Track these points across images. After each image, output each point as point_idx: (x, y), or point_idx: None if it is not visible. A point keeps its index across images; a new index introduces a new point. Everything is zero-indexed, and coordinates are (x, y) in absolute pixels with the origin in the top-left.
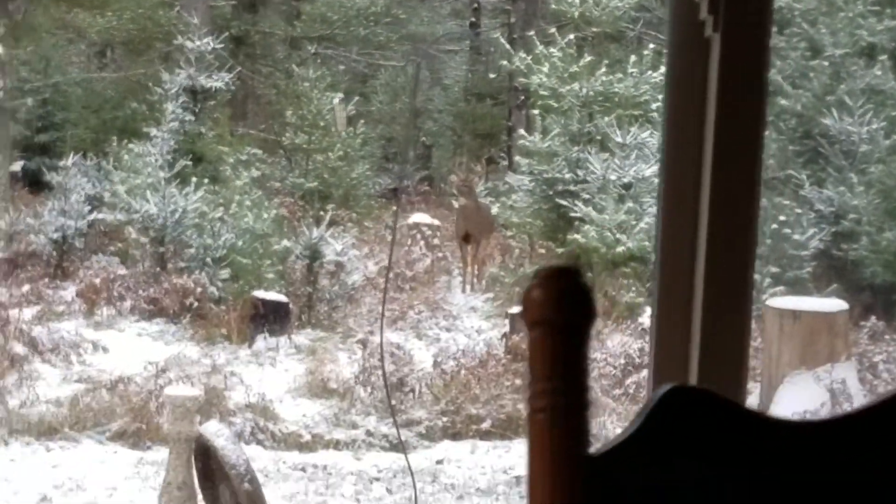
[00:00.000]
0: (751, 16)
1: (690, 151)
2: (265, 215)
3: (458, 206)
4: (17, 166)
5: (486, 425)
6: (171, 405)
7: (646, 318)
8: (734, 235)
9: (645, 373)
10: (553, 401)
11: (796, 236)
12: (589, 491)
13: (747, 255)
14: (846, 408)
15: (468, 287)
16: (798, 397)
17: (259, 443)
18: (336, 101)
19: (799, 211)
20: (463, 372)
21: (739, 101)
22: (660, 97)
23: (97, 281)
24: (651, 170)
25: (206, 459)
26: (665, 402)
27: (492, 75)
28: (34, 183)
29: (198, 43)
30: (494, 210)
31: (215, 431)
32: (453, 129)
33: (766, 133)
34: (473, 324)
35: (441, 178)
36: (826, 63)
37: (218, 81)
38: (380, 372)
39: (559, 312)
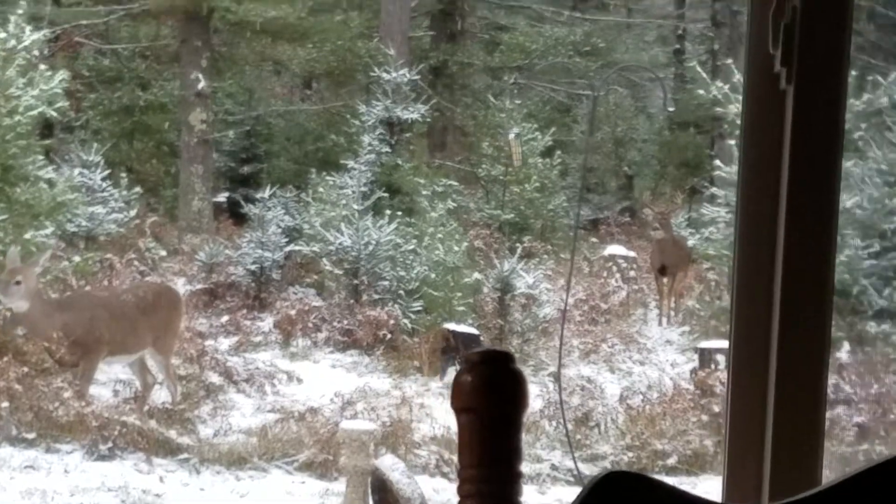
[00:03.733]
0: (824, 70)
1: (765, 205)
2: (456, 248)
3: (654, 238)
4: (222, 197)
5: (671, 461)
6: (346, 439)
7: (843, 354)
8: (811, 282)
9: (840, 409)
10: (480, 488)
11: None
12: None
13: (823, 303)
14: None
15: (664, 320)
16: None
17: (443, 475)
18: (512, 135)
19: None
20: (648, 407)
21: (813, 155)
22: (862, 126)
23: (293, 312)
24: (852, 200)
25: (383, 492)
26: (599, 488)
27: (670, 109)
28: (238, 214)
29: (395, 74)
30: (691, 242)
31: (390, 465)
32: (658, 158)
33: None
34: (668, 357)
35: (642, 210)
36: None
37: (414, 113)
38: (566, 406)
39: (487, 400)
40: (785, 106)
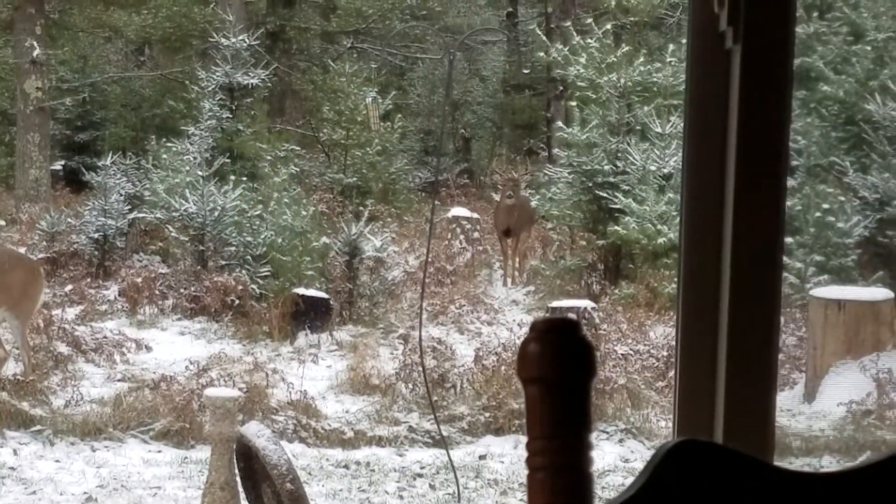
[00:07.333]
0: (772, 26)
1: (712, 168)
2: (304, 212)
3: (500, 201)
4: (57, 165)
5: None
6: (211, 406)
7: None
8: (760, 243)
9: None
10: (552, 461)
11: (840, 224)
12: None
13: (774, 254)
14: (893, 398)
15: (509, 280)
16: (844, 387)
17: (302, 440)
18: (369, 99)
19: (843, 198)
20: (504, 367)
21: (762, 115)
22: None
23: (139, 280)
24: None
25: (248, 459)
26: (671, 456)
27: (525, 71)
28: (75, 182)
29: (233, 40)
30: (534, 202)
31: (256, 432)
32: (492, 120)
33: (809, 120)
34: (515, 317)
35: (481, 171)
36: (868, 48)
37: (254, 78)
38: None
39: (557, 369)
40: (731, 66)
